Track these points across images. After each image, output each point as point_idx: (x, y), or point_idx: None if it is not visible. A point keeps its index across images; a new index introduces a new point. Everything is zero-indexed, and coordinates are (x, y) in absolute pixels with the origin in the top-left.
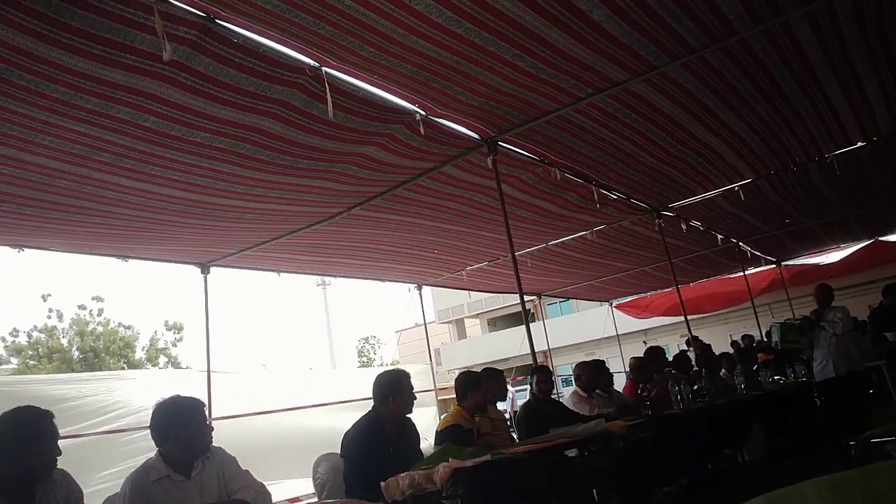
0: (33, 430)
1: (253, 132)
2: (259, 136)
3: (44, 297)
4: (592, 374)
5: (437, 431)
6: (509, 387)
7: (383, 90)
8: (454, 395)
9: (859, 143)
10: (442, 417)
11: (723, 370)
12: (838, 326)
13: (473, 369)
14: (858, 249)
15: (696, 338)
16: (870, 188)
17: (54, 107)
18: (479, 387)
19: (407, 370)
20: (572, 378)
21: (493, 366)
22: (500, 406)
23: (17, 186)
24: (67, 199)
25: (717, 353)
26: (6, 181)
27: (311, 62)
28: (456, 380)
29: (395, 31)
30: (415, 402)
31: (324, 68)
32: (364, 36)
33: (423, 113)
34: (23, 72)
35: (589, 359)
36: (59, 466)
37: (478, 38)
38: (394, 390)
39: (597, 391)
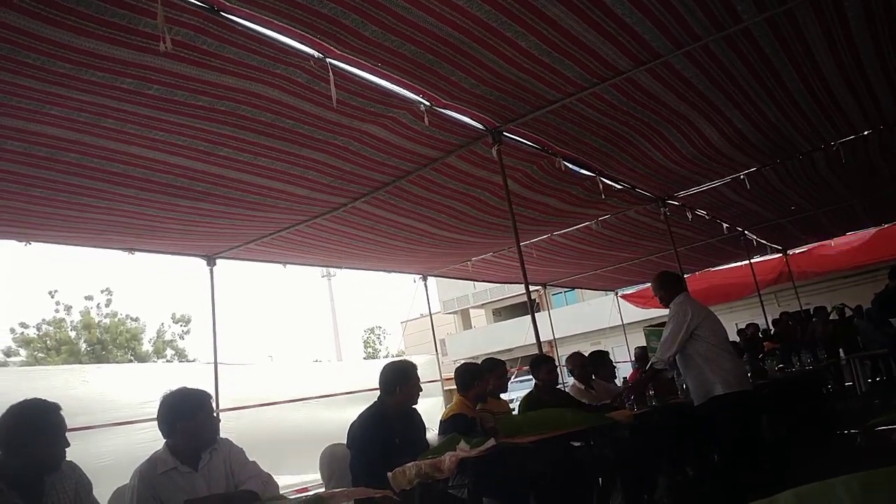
0: (41, 422)
1: (255, 97)
2: (261, 101)
3: (51, 294)
4: (584, 365)
5: (440, 421)
6: (512, 378)
7: (387, 80)
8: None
9: (865, 132)
10: (446, 408)
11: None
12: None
13: (479, 360)
14: (867, 238)
15: None
16: (877, 176)
17: (61, 80)
18: (482, 377)
19: (413, 361)
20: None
21: (498, 356)
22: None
23: (24, 165)
24: (74, 177)
25: None
26: (13, 159)
27: (316, 53)
28: (456, 371)
29: (398, 4)
30: (420, 392)
31: (328, 59)
32: (367, 11)
33: (427, 103)
34: (29, 52)
35: (594, 348)
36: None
37: (480, 11)
38: (400, 381)
39: (595, 379)
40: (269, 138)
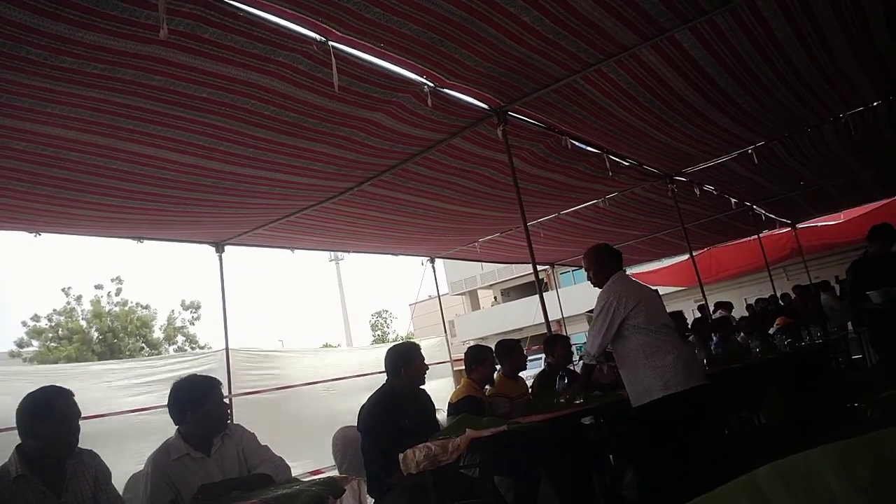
0: (55, 408)
1: (257, 89)
2: (263, 93)
3: (65, 291)
4: None
5: (449, 403)
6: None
7: (390, 61)
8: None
9: (874, 103)
10: (454, 390)
11: (741, 334)
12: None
13: (488, 340)
14: (877, 207)
15: (727, 303)
16: (886, 147)
17: (62, 75)
18: (485, 360)
19: (417, 342)
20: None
21: (507, 336)
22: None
23: (29, 163)
24: (80, 174)
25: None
26: (19, 157)
27: (317, 36)
28: (465, 353)
29: None
30: (427, 371)
31: (330, 42)
32: None
33: (430, 84)
34: (30, 47)
35: None
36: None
37: None
38: (404, 362)
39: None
40: (273, 132)
